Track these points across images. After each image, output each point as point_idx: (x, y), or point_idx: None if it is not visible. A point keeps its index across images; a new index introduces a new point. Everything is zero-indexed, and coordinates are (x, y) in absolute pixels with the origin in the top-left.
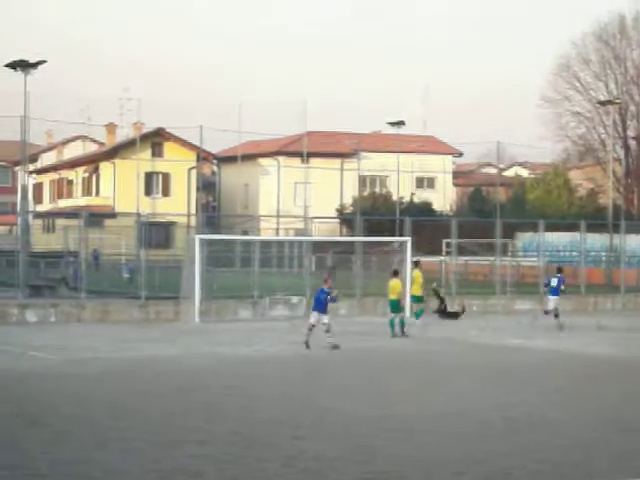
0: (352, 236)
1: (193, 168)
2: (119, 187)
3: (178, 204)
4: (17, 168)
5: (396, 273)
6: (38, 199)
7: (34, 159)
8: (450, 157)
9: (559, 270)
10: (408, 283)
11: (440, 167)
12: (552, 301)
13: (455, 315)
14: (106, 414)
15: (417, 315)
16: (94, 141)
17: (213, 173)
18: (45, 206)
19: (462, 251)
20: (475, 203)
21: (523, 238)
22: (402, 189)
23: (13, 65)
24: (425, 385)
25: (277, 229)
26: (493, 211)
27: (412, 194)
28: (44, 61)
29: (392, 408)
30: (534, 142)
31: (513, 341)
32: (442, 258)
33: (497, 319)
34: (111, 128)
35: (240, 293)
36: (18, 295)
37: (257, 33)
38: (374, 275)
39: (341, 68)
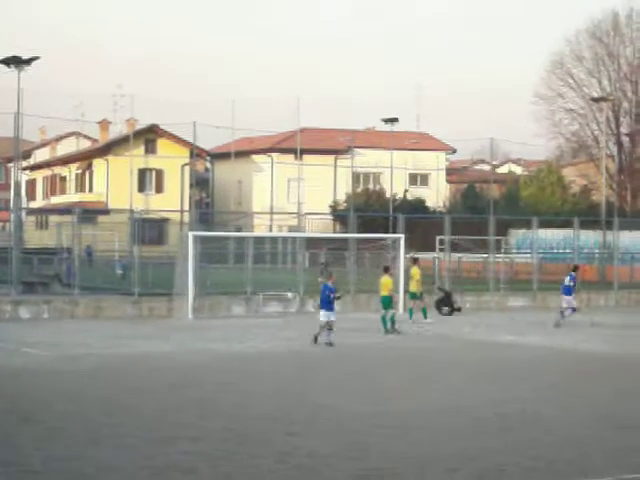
0: (345, 233)
1: (186, 164)
2: (112, 184)
3: (171, 201)
4: (10, 165)
5: (387, 269)
6: (31, 196)
7: (27, 156)
8: (444, 154)
9: (574, 268)
10: (402, 279)
11: (434, 164)
12: (565, 300)
13: (459, 310)
14: (99, 410)
15: (410, 314)
16: (87, 138)
17: (206, 170)
18: (38, 203)
19: (455, 248)
20: (468, 200)
21: (516, 235)
22: (396, 186)
23: (6, 61)
24: (418, 381)
25: (270, 226)
26: (486, 208)
27: (405, 191)
28: (37, 57)
29: (386, 404)
30: (528, 139)
31: (506, 338)
32: (435, 255)
33: (490, 316)
34: (104, 125)
35: (233, 289)
36: (11, 292)
37: (251, 30)
38: (367, 272)
39: (335, 65)
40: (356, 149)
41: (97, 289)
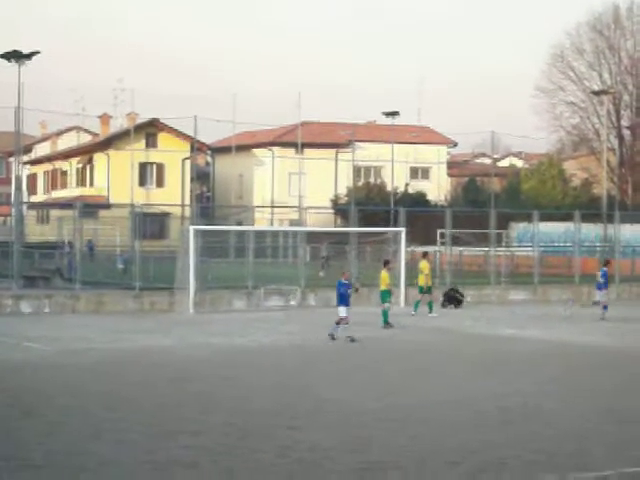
0: (346, 226)
1: (187, 159)
2: (113, 178)
3: (172, 195)
4: (11, 159)
5: (386, 263)
6: (32, 190)
7: (28, 150)
8: (445, 147)
9: (606, 263)
10: (403, 273)
11: (435, 157)
12: (598, 295)
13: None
14: (100, 405)
15: (415, 307)
16: (88, 132)
17: (207, 164)
18: (39, 197)
19: (456, 241)
20: (469, 193)
21: (517, 228)
22: (396, 179)
23: (7, 56)
24: (420, 375)
25: (271, 219)
26: (487, 201)
27: (406, 184)
28: (38, 52)
29: (387, 398)
30: (529, 132)
31: (507, 331)
32: (436, 248)
33: (491, 309)
34: (105, 119)
35: (234, 284)
36: (12, 286)
37: (252, 23)
38: (368, 265)
39: (335, 58)
40: (357, 143)
41: (98, 283)
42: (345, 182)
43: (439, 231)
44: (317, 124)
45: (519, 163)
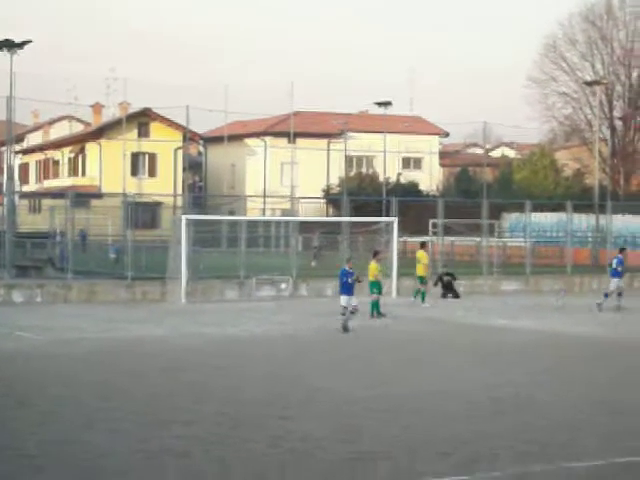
0: (338, 216)
1: (179, 148)
2: (105, 167)
3: (164, 184)
4: (3, 148)
5: (375, 254)
6: (24, 179)
7: (20, 139)
8: (437, 137)
9: (621, 250)
10: (395, 263)
11: (427, 147)
12: (612, 282)
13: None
14: (93, 394)
15: (415, 294)
16: (80, 121)
17: (199, 153)
18: (31, 186)
19: (448, 231)
20: (461, 183)
21: (509, 218)
22: (389, 169)
23: None
24: (412, 365)
25: (264, 209)
26: (479, 191)
27: (399, 174)
28: (30, 41)
29: (379, 388)
30: (521, 123)
31: (499, 321)
32: (428, 238)
33: (483, 299)
34: (97, 108)
35: (227, 273)
36: (4, 275)
37: (246, 13)
38: (361, 255)
39: (328, 49)
40: (349, 133)
41: (90, 273)
42: (337, 172)
43: (431, 221)
44: (309, 114)
45: (511, 153)
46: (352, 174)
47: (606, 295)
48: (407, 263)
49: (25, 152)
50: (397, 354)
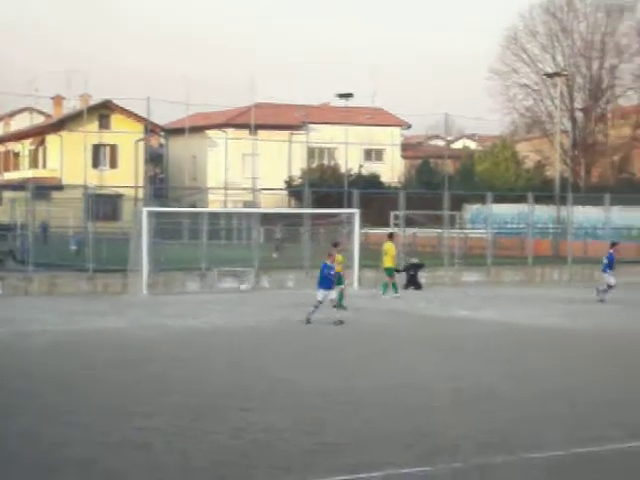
0: (300, 208)
1: (141, 140)
2: (66, 159)
3: (126, 176)
4: None
5: (335, 246)
6: None
7: None
8: (398, 129)
9: (612, 245)
10: (356, 254)
11: (388, 139)
12: (606, 276)
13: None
14: (53, 387)
15: (384, 289)
16: (41, 113)
17: (161, 145)
18: None
19: (410, 223)
20: (423, 175)
21: (471, 210)
22: (350, 161)
23: None
24: (374, 357)
25: (225, 201)
26: (441, 183)
27: (360, 166)
28: None
29: (341, 380)
30: (482, 114)
31: (461, 313)
32: (390, 230)
33: (445, 291)
34: (58, 100)
35: (188, 265)
36: None
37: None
38: (322, 247)
39: (289, 41)
40: (311, 124)
41: (51, 265)
42: (299, 164)
43: (393, 213)
44: (271, 106)
45: (472, 145)
46: (314, 166)
47: (605, 290)
48: (369, 255)
49: None
50: (359, 346)
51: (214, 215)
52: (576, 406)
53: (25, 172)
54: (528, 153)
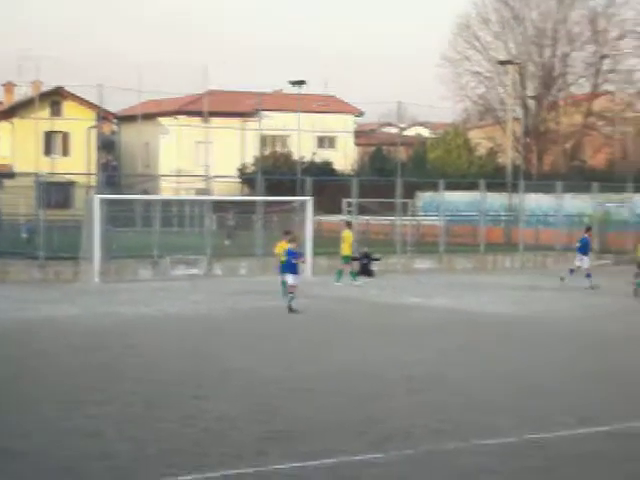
0: (253, 195)
1: (93, 127)
2: (18, 147)
3: (78, 164)
4: None
5: (286, 234)
6: None
7: None
8: (351, 117)
9: (587, 229)
10: (309, 242)
11: (341, 127)
12: (583, 261)
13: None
14: (3, 374)
15: (338, 277)
16: None
17: (113, 132)
18: None
19: (363, 210)
20: (376, 162)
21: (423, 197)
22: (303, 148)
23: None
24: (325, 344)
25: (178, 188)
26: (394, 170)
27: (313, 154)
28: None
29: (293, 368)
30: (434, 102)
31: (413, 300)
32: (343, 217)
33: (397, 278)
34: (9, 87)
35: (141, 253)
36: None
37: None
38: (275, 235)
39: (241, 27)
40: (263, 112)
41: (2, 253)
42: (252, 151)
43: (345, 200)
44: (224, 93)
45: (425, 132)
46: (267, 153)
47: (589, 275)
48: (322, 243)
49: None
50: (311, 334)
51: (167, 202)
52: (526, 392)
53: None
54: (480, 140)
